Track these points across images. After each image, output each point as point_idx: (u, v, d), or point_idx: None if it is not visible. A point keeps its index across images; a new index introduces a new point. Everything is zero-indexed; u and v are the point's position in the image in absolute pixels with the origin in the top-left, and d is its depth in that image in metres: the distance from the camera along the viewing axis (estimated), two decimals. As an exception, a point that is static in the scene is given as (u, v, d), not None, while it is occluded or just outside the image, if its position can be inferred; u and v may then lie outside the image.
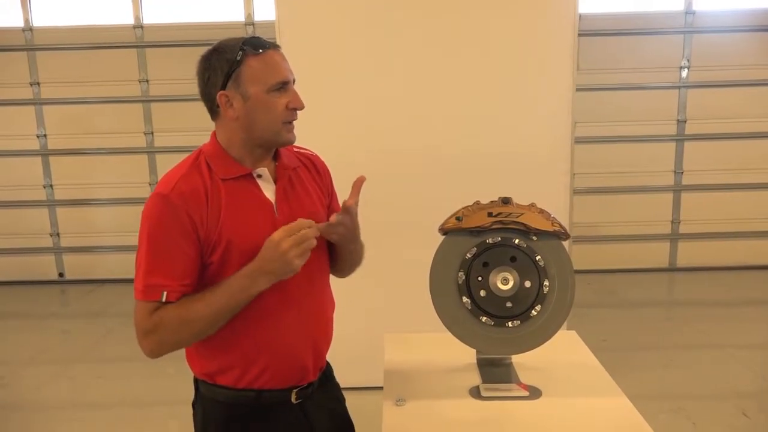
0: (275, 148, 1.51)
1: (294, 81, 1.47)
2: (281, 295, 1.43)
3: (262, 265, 1.37)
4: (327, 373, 1.64)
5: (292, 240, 1.35)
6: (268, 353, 1.47)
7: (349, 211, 1.46)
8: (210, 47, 1.44)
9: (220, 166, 1.44)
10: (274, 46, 1.44)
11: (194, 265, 1.40)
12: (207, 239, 1.40)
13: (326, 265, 1.61)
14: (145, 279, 1.38)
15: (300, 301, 1.49)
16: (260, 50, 1.41)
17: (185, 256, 1.39)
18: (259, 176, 1.48)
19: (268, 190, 1.48)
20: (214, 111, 1.46)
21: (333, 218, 1.46)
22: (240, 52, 1.39)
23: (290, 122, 1.46)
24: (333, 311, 1.63)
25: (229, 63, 1.39)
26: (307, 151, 1.64)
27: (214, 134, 1.50)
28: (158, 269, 1.38)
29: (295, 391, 1.52)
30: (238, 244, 1.40)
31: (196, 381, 1.56)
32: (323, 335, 1.58)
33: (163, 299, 1.37)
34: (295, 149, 1.61)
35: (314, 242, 1.39)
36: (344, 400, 1.72)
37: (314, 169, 1.61)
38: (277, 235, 1.36)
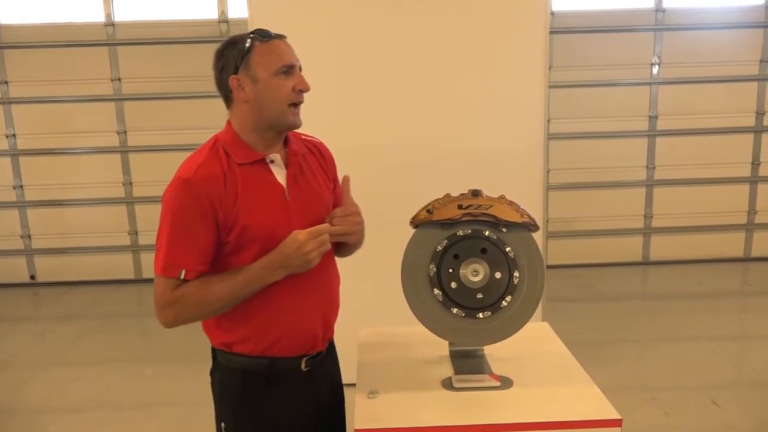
0: (284, 132, 1.64)
1: (300, 67, 1.61)
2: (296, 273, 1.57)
3: (283, 260, 1.53)
4: (332, 344, 1.80)
5: (315, 242, 1.53)
6: (282, 325, 1.61)
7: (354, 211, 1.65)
8: (224, 41, 1.62)
9: (237, 152, 1.58)
10: (281, 36, 1.61)
11: (211, 247, 1.55)
12: (225, 220, 1.54)
13: (332, 243, 1.70)
14: (166, 258, 1.53)
15: (312, 277, 1.62)
16: (267, 38, 1.58)
17: (203, 238, 1.53)
18: (272, 161, 1.62)
19: (280, 175, 1.62)
20: (228, 98, 1.61)
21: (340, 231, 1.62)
22: (249, 40, 1.57)
23: (296, 105, 1.59)
24: (339, 285, 1.76)
25: (240, 51, 1.56)
26: (314, 139, 1.78)
27: (228, 122, 1.63)
28: (178, 249, 1.52)
29: (305, 359, 1.66)
30: (253, 225, 1.55)
31: (213, 351, 1.69)
32: (331, 307, 1.73)
33: (182, 277, 1.52)
34: (303, 137, 1.75)
35: (329, 246, 1.59)
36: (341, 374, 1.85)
37: (320, 155, 1.75)
38: (302, 236, 1.52)
